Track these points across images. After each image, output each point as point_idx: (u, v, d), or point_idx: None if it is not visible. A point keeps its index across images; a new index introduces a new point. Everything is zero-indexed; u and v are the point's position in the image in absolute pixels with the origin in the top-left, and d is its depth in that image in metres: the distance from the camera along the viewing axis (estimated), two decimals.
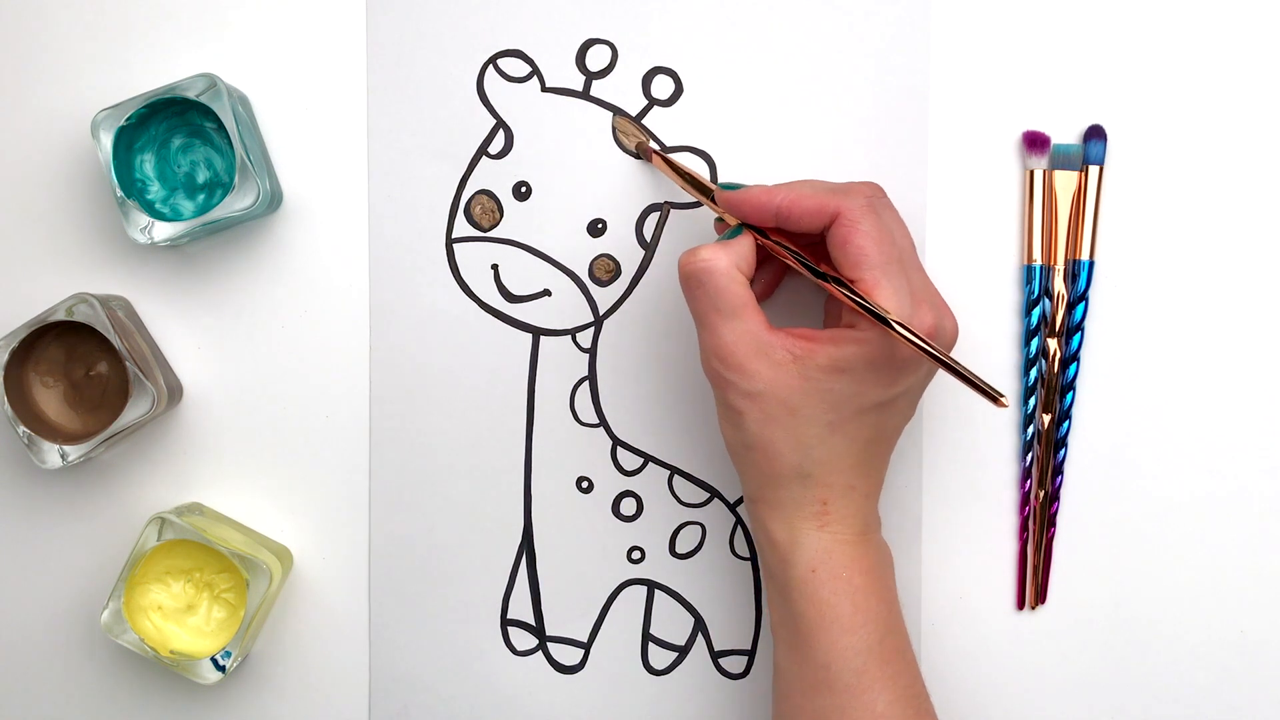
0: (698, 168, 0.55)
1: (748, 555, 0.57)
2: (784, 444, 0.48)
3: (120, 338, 0.51)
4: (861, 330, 0.47)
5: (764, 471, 0.49)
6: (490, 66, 0.55)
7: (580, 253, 0.56)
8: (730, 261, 0.48)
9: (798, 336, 0.47)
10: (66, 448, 0.52)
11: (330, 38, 0.55)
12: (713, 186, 0.52)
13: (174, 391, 0.55)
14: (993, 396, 0.44)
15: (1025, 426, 0.55)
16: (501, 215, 0.56)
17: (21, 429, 0.52)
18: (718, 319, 0.47)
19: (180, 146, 0.54)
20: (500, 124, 0.55)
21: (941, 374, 0.53)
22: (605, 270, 0.56)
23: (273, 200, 0.54)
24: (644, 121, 0.55)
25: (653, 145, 0.55)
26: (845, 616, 0.48)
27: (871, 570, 0.49)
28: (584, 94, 0.55)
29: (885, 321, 0.46)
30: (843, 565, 0.48)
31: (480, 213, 0.56)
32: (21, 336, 0.52)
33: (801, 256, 0.48)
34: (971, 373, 0.45)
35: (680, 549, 0.57)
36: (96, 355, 0.54)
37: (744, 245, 0.49)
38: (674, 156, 0.54)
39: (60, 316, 0.52)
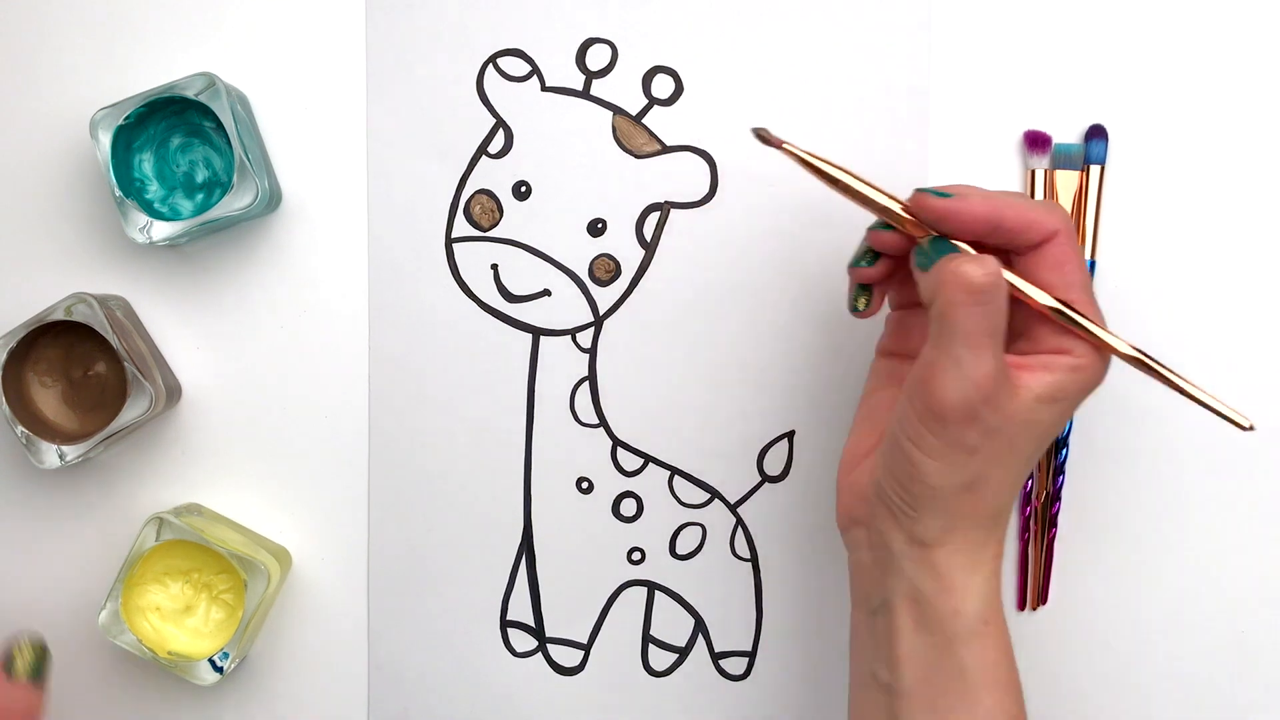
0: (698, 168, 0.55)
1: (748, 556, 0.57)
2: (1002, 483, 0.44)
3: (118, 337, 0.51)
4: (1077, 355, 0.44)
5: (967, 514, 0.44)
6: (490, 66, 0.55)
7: (580, 253, 0.56)
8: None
9: (1011, 365, 0.44)
10: (64, 448, 0.52)
11: (329, 37, 0.55)
12: (900, 201, 0.46)
13: (173, 391, 0.54)
14: (1237, 423, 0.44)
15: None
16: (501, 215, 0.56)
17: (20, 429, 0.52)
18: (990, 344, 0.42)
19: (179, 146, 0.54)
20: (500, 123, 0.55)
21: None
22: (605, 270, 0.56)
23: (271, 200, 0.54)
24: (644, 121, 0.55)
25: (797, 150, 0.47)
26: (1005, 675, 0.45)
27: (1008, 629, 0.46)
28: (584, 93, 0.55)
29: (1138, 359, 0.45)
30: (1003, 619, 0.45)
31: (480, 212, 0.56)
32: (20, 336, 0.52)
33: (1029, 288, 0.45)
34: (1214, 398, 0.45)
35: (681, 550, 0.56)
36: (95, 355, 0.54)
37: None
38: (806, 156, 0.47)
39: (59, 316, 0.51)
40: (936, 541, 0.45)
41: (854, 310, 0.49)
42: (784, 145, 0.47)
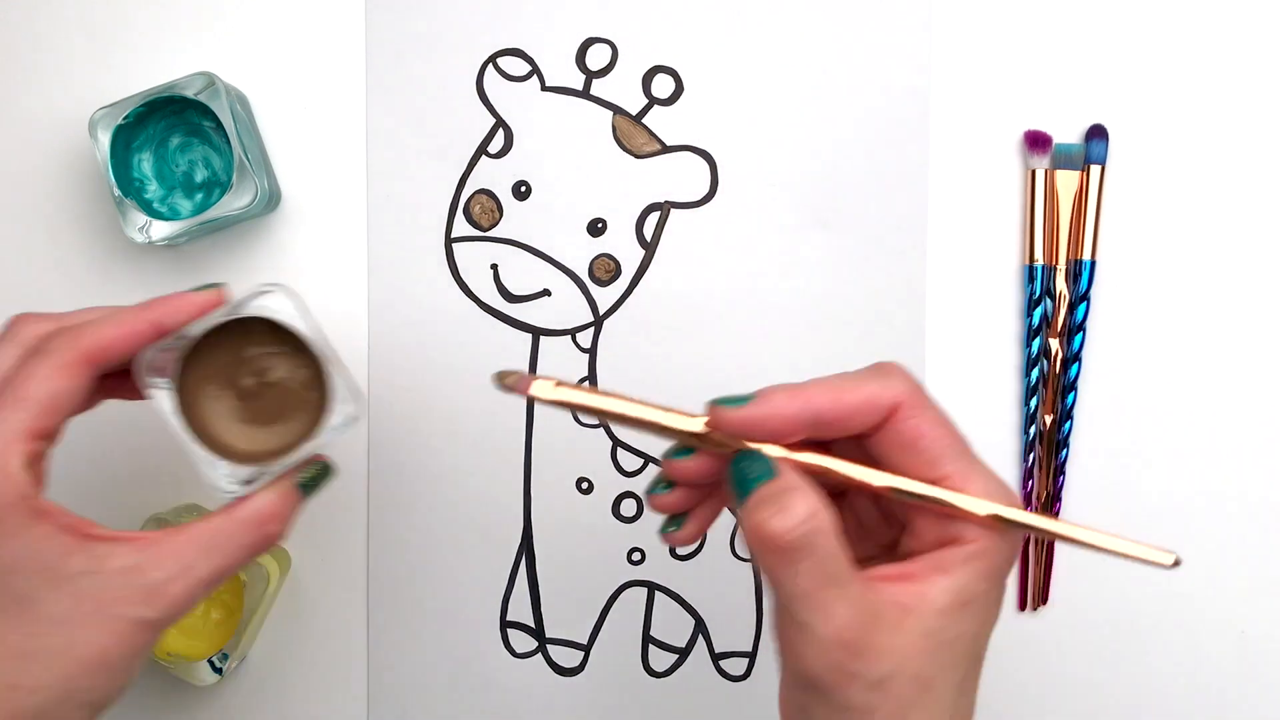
0: (698, 168, 0.55)
1: (748, 556, 0.56)
2: None
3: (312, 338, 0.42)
4: (968, 540, 0.36)
5: None
6: (490, 65, 0.55)
7: (580, 253, 0.56)
8: (827, 510, 0.36)
9: (892, 580, 0.36)
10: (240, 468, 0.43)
11: (329, 36, 0.55)
12: (693, 414, 0.38)
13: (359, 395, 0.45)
14: (1158, 562, 0.37)
15: (1027, 427, 0.55)
16: (501, 215, 0.56)
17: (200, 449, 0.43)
18: (834, 593, 0.35)
19: (178, 145, 0.54)
20: (500, 123, 0.55)
21: (947, 388, 0.51)
22: (605, 270, 0.56)
23: (271, 199, 0.53)
24: (644, 121, 0.55)
25: (535, 380, 0.39)
26: None
27: None
28: (584, 93, 0.55)
29: (1016, 525, 0.36)
30: None
31: (480, 212, 0.56)
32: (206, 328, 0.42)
33: (856, 468, 0.37)
34: (1132, 543, 0.38)
35: (681, 550, 0.56)
36: (269, 357, 0.44)
37: (802, 475, 0.37)
38: (594, 395, 0.39)
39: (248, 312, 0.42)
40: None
41: (664, 532, 0.41)
42: (533, 395, 0.38)
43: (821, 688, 0.36)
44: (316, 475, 0.44)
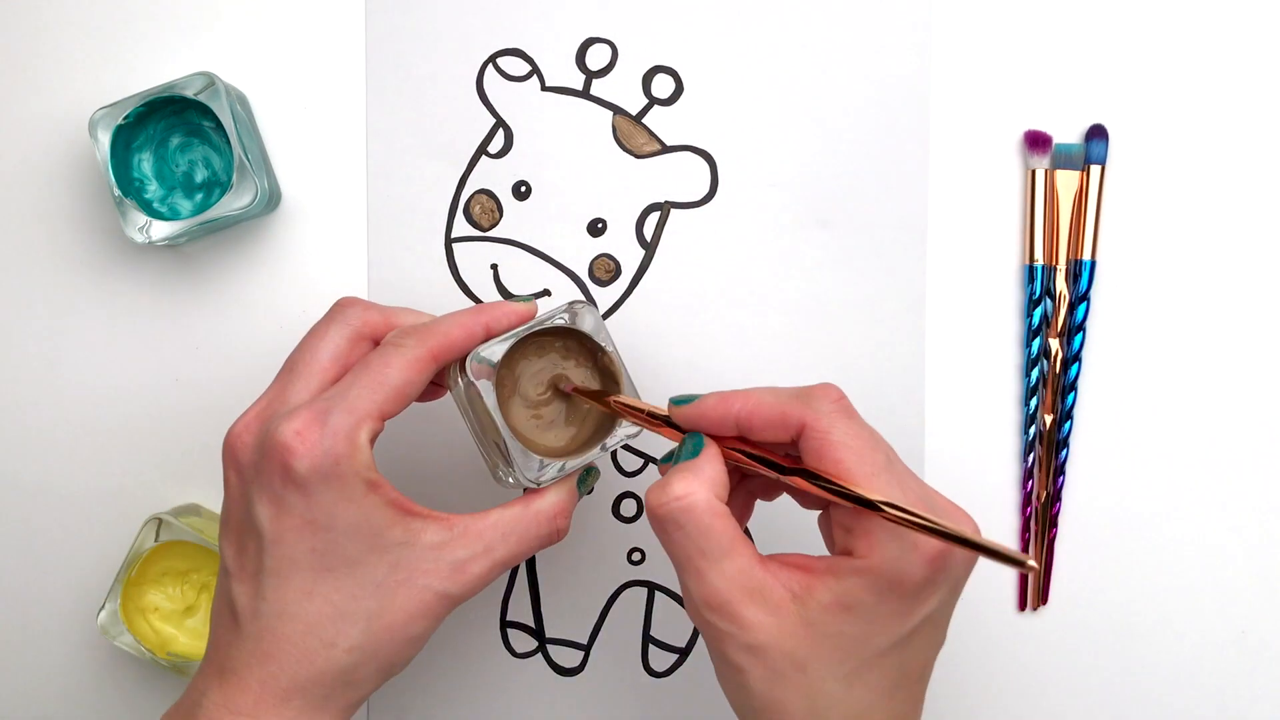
0: (698, 168, 0.55)
1: None
2: (796, 707, 0.40)
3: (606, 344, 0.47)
4: (860, 556, 0.40)
5: None
6: (490, 65, 0.55)
7: (580, 253, 0.56)
8: (709, 491, 0.41)
9: (795, 568, 0.41)
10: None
11: (329, 36, 0.55)
12: (661, 410, 0.45)
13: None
14: (1021, 562, 0.36)
15: (1027, 427, 0.55)
16: (501, 215, 0.56)
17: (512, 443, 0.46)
18: (705, 564, 0.40)
19: (178, 145, 0.54)
20: (500, 123, 0.55)
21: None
22: (605, 270, 0.56)
23: (271, 199, 0.53)
24: (644, 121, 0.55)
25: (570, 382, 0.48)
26: None
27: None
28: (584, 93, 0.55)
29: (874, 506, 0.39)
30: None
31: (480, 212, 0.56)
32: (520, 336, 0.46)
33: (772, 462, 0.42)
34: (996, 547, 0.37)
35: None
36: (566, 367, 0.48)
37: (714, 466, 0.42)
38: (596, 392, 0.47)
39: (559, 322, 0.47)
40: None
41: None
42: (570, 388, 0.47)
43: (707, 639, 0.42)
44: (589, 477, 0.49)
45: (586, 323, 0.47)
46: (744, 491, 0.47)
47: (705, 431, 0.44)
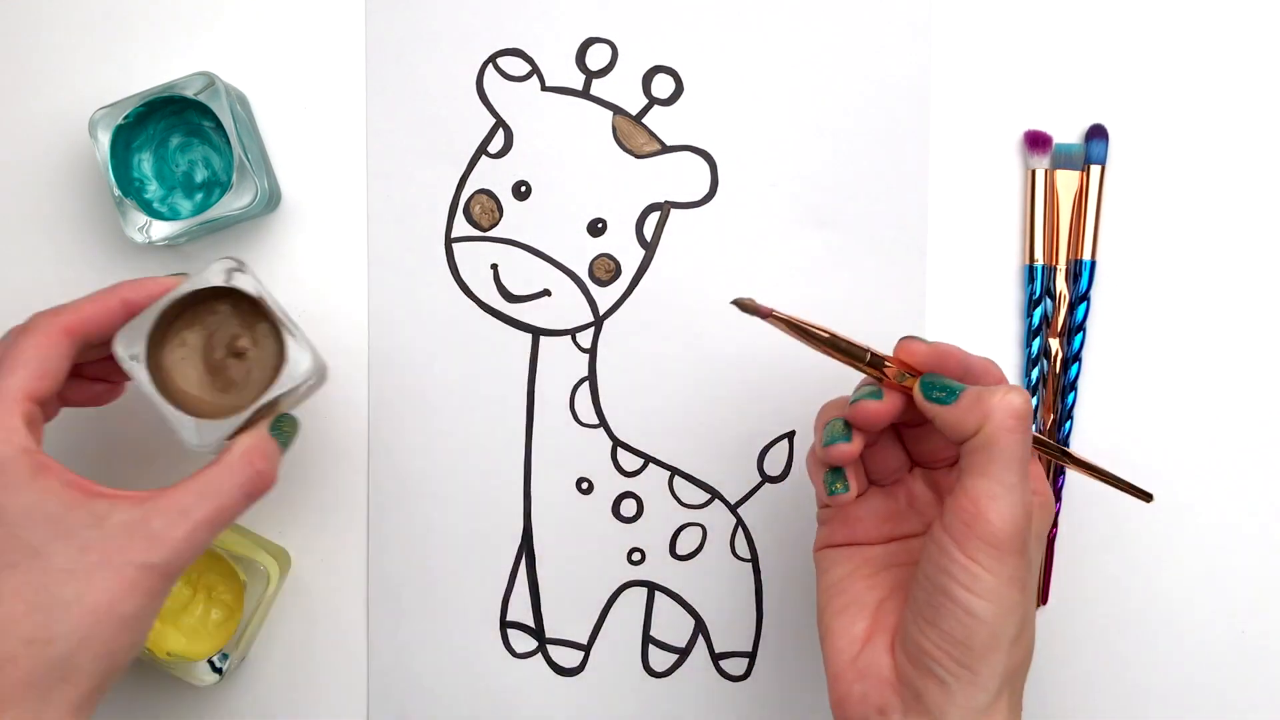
0: (698, 168, 0.55)
1: (748, 557, 0.56)
2: (1031, 619, 0.44)
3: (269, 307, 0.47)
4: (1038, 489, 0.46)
5: (1017, 667, 0.43)
6: (490, 65, 0.55)
7: (580, 253, 0.56)
8: None
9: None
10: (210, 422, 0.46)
11: (329, 36, 0.55)
12: (879, 355, 0.46)
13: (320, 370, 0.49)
14: (1141, 495, 0.47)
15: None
16: (501, 215, 0.56)
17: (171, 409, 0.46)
18: (1021, 482, 0.42)
19: (178, 145, 0.54)
20: (500, 123, 0.55)
21: None
22: (605, 270, 0.56)
23: (271, 199, 0.54)
24: (644, 121, 0.55)
25: (769, 310, 0.47)
26: None
27: None
28: (584, 93, 0.55)
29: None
30: None
31: (480, 212, 0.56)
32: (162, 308, 0.46)
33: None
34: (1110, 476, 0.48)
35: (681, 550, 0.56)
36: (237, 330, 0.48)
37: None
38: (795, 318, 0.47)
39: (218, 282, 0.46)
40: (992, 708, 0.42)
41: (833, 494, 0.46)
42: (773, 314, 0.46)
43: (1007, 550, 0.41)
44: (284, 424, 0.47)
45: (240, 281, 0.46)
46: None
47: (945, 370, 0.45)
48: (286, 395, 0.46)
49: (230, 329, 0.48)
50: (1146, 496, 0.48)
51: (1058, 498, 0.55)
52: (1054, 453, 0.48)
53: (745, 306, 0.46)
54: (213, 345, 0.48)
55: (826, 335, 0.46)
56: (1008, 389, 0.42)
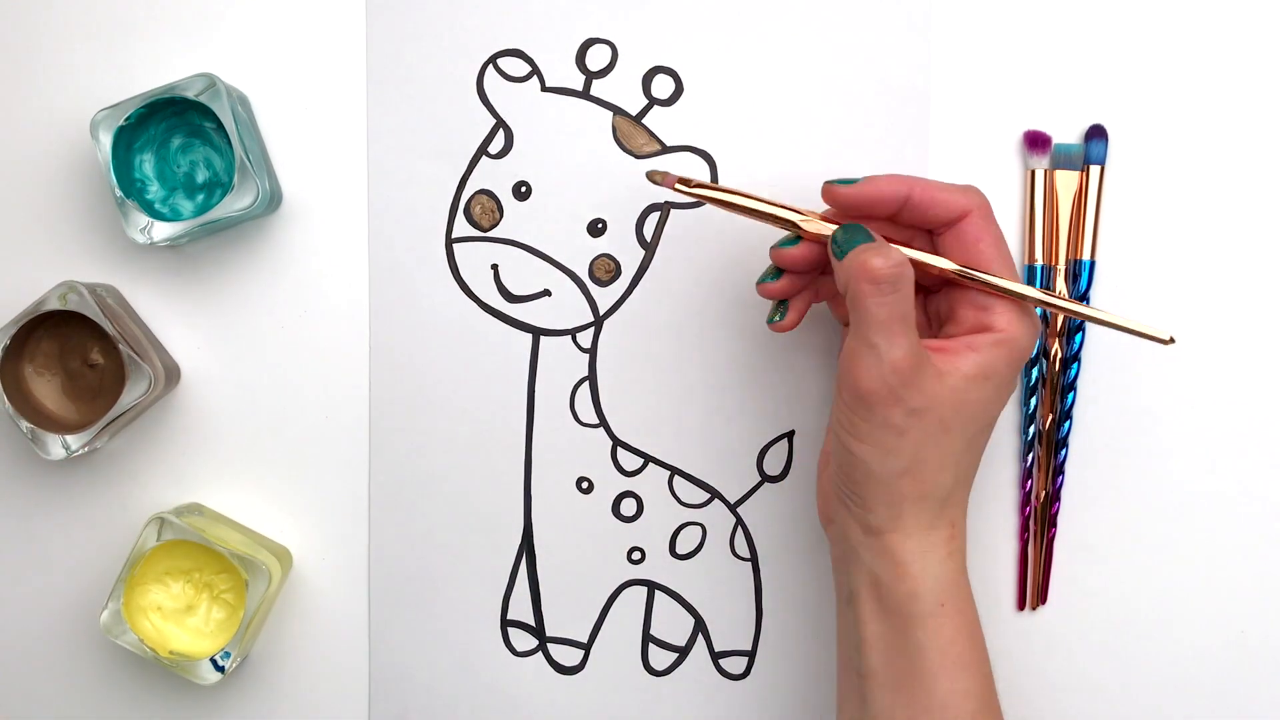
0: (698, 168, 0.55)
1: (748, 556, 0.57)
2: (935, 464, 0.46)
3: (112, 322, 0.51)
4: (999, 330, 0.47)
5: (909, 497, 0.46)
6: (490, 66, 0.55)
7: (580, 253, 0.56)
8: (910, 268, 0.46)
9: (933, 350, 0.46)
10: (69, 438, 0.52)
11: (330, 37, 0.55)
12: (799, 210, 0.49)
13: (171, 372, 0.54)
14: (1161, 339, 0.47)
15: (1026, 427, 0.55)
16: (501, 215, 0.56)
17: (24, 423, 0.52)
18: (903, 329, 0.45)
19: (179, 146, 0.54)
20: (500, 124, 0.55)
21: None
22: (605, 270, 0.56)
23: (272, 200, 0.54)
24: (644, 121, 0.55)
25: (691, 184, 0.49)
26: (967, 655, 0.46)
27: (975, 609, 0.48)
28: (584, 93, 0.55)
29: (1029, 298, 0.46)
30: (964, 599, 0.47)
31: (480, 212, 0.56)
32: (12, 331, 0.52)
33: (938, 260, 0.48)
34: (1131, 322, 0.48)
35: (680, 550, 0.56)
36: (91, 344, 0.54)
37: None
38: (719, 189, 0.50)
39: (52, 306, 0.51)
40: (886, 528, 0.47)
41: (770, 322, 0.51)
42: (675, 185, 0.49)
43: (873, 403, 0.45)
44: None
45: (75, 303, 0.51)
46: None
47: (868, 210, 0.48)
48: (132, 411, 0.52)
49: (83, 342, 0.54)
50: (1165, 340, 0.48)
51: (1056, 497, 0.55)
52: (992, 288, 0.48)
53: (654, 179, 0.50)
54: (69, 356, 0.54)
55: (742, 197, 0.49)
56: (873, 250, 0.45)
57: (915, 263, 0.47)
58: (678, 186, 0.49)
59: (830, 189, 0.48)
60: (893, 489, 0.46)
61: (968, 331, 0.47)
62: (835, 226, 0.48)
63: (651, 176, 0.50)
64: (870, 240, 0.46)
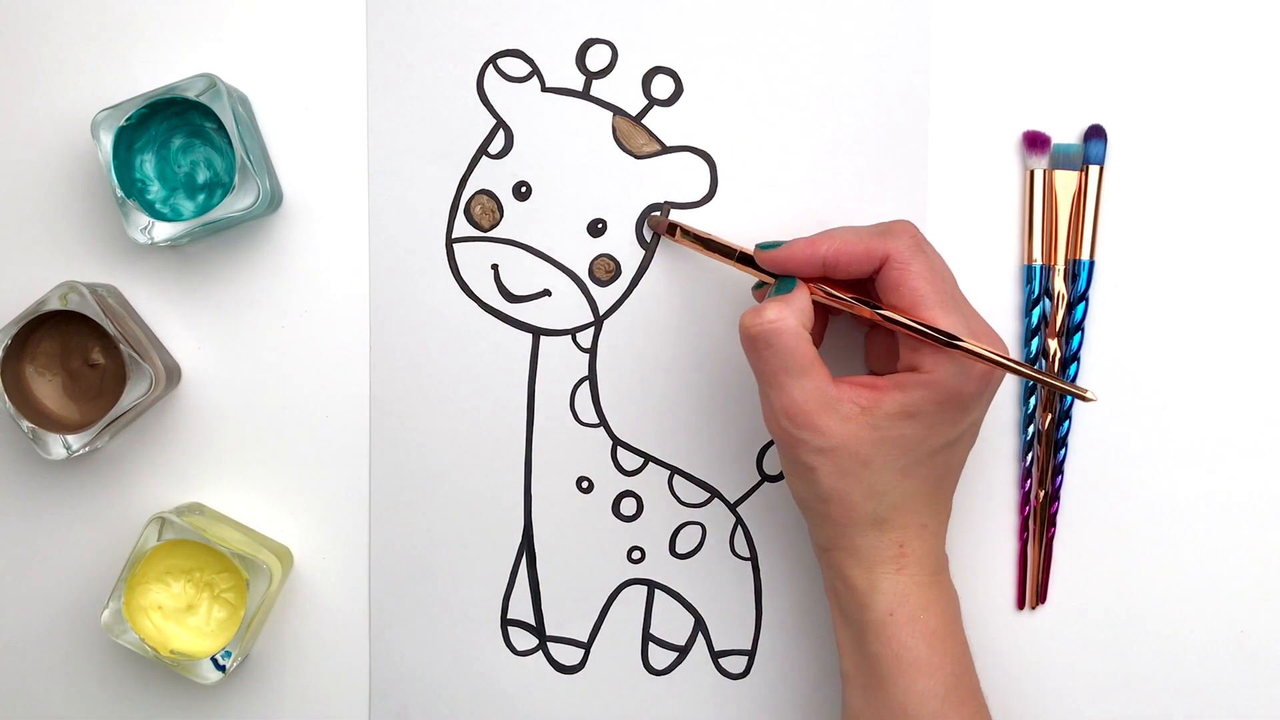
0: (698, 168, 0.55)
1: (748, 555, 0.57)
2: (858, 494, 0.48)
3: (113, 322, 0.51)
4: (925, 371, 0.47)
5: (839, 522, 0.49)
6: (490, 66, 0.55)
7: (580, 253, 0.56)
8: (797, 319, 0.47)
9: (862, 386, 0.47)
10: (70, 438, 0.52)
11: (330, 37, 0.55)
12: (748, 250, 0.51)
13: (172, 372, 0.55)
14: (1082, 395, 0.46)
15: (1025, 426, 0.55)
16: (501, 215, 0.56)
17: (25, 424, 0.52)
18: (787, 379, 0.47)
19: (180, 147, 0.54)
20: (500, 124, 0.55)
21: None
22: (605, 270, 0.56)
23: (273, 200, 0.54)
24: (644, 121, 0.55)
25: (671, 219, 0.55)
26: (923, 659, 0.48)
27: (945, 612, 0.49)
28: (584, 94, 0.55)
29: (955, 345, 0.46)
30: (920, 608, 0.49)
31: (480, 213, 0.56)
32: (14, 331, 0.52)
33: (865, 300, 0.49)
34: (1055, 377, 0.48)
35: (680, 549, 0.57)
36: (92, 344, 0.54)
37: (803, 300, 0.48)
38: (689, 220, 0.55)
39: (53, 306, 0.52)
40: (832, 546, 0.50)
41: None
42: (678, 233, 0.53)
43: (781, 446, 0.49)
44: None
45: (76, 303, 0.51)
46: (816, 324, 0.51)
47: (790, 272, 0.49)
48: (133, 411, 0.52)
49: (84, 342, 0.54)
50: (1084, 398, 0.47)
51: (1056, 497, 0.55)
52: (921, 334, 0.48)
53: (655, 225, 0.54)
54: (70, 356, 0.54)
55: (720, 246, 0.52)
56: (749, 311, 0.48)
57: (853, 306, 0.49)
58: (666, 234, 0.54)
59: (757, 252, 0.50)
60: (823, 514, 0.49)
61: (903, 369, 0.48)
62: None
63: (651, 221, 0.55)
64: (787, 292, 0.49)
